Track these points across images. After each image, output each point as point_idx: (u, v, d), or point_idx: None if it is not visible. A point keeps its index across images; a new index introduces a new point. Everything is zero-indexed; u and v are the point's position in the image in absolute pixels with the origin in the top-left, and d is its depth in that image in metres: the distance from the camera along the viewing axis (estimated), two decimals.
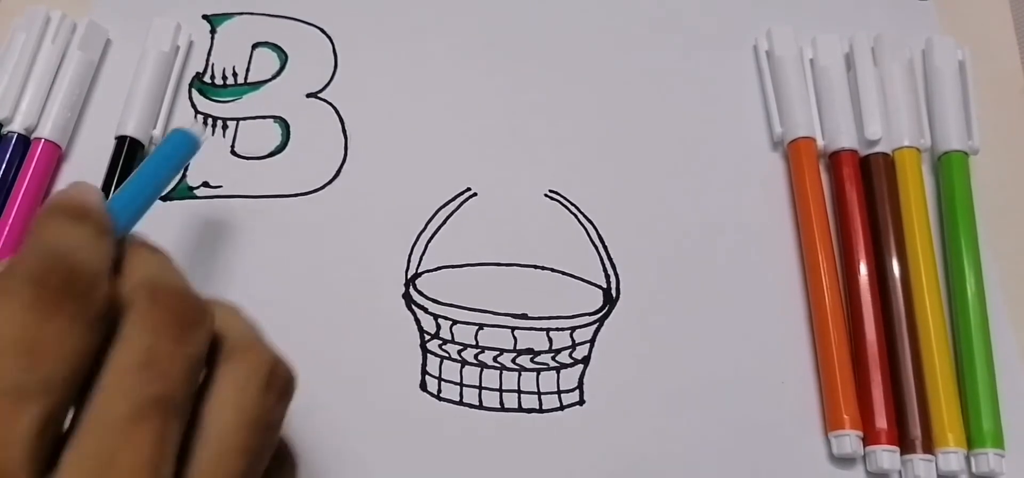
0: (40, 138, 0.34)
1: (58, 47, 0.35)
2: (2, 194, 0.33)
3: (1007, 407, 0.29)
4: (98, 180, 0.33)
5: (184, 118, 0.36)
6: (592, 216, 0.33)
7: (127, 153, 0.34)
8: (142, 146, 0.34)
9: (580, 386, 0.30)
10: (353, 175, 0.34)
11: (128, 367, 0.18)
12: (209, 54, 0.37)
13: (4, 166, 0.33)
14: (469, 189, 0.34)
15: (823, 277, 0.31)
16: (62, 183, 0.34)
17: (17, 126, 0.34)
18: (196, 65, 0.37)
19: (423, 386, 0.30)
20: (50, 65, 0.35)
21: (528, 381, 0.30)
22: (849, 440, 0.29)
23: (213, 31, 0.38)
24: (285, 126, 0.36)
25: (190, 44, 0.37)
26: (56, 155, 0.34)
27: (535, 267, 0.32)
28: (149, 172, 0.26)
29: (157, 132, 0.35)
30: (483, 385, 0.30)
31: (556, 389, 0.30)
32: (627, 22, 0.38)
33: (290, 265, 0.32)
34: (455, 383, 0.30)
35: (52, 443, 0.17)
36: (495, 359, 0.31)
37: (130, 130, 0.34)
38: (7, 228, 0.32)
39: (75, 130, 0.35)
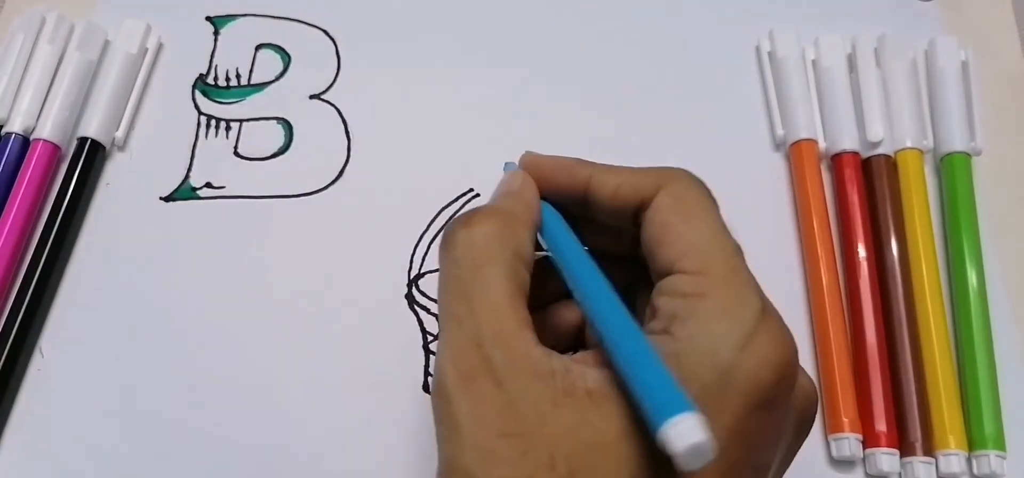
0: (39, 139, 0.34)
1: (56, 48, 0.35)
2: (1, 195, 0.33)
3: (1009, 409, 0.29)
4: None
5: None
6: None
7: (87, 155, 0.34)
8: (103, 148, 0.34)
9: None
10: (356, 176, 0.34)
11: None
12: (212, 56, 0.37)
13: (2, 167, 0.33)
14: (471, 189, 0.34)
15: (824, 279, 0.31)
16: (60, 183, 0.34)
17: (16, 127, 0.34)
18: (190, 67, 0.37)
19: (426, 387, 0.30)
20: (48, 66, 0.35)
21: None
22: (849, 443, 0.29)
23: (216, 33, 0.38)
24: (288, 127, 0.36)
25: (160, 46, 0.37)
26: (55, 155, 0.34)
27: None
28: None
29: (120, 134, 0.35)
30: None
31: None
32: (629, 24, 0.38)
33: (293, 266, 0.32)
34: None
35: None
36: None
37: (91, 132, 0.34)
38: (6, 228, 0.32)
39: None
